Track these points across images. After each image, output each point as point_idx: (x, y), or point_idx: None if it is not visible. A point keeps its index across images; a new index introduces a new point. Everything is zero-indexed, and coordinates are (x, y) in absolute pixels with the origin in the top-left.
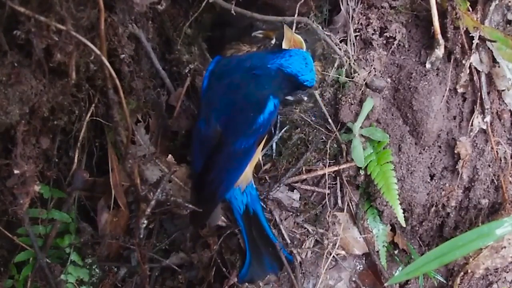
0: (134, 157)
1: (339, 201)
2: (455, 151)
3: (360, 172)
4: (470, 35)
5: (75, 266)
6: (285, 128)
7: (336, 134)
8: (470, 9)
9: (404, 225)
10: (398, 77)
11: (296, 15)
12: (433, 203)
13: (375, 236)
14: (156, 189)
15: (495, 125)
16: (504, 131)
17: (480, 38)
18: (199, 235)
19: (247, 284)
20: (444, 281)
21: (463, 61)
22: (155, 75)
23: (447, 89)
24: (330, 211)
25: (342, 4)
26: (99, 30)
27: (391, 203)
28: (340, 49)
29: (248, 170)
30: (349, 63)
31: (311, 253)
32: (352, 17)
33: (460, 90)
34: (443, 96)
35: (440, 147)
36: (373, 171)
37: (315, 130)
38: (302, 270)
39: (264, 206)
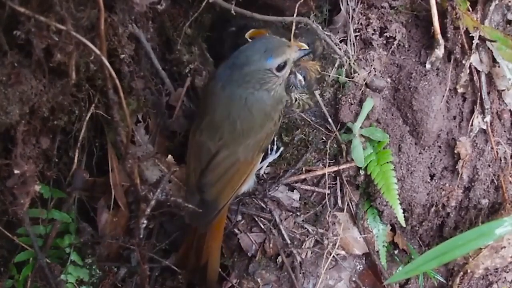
0: (134, 157)
1: (339, 201)
2: (455, 151)
3: (360, 172)
4: (470, 35)
5: (75, 266)
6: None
7: (336, 134)
8: (470, 9)
9: (404, 225)
10: (398, 77)
11: (295, 15)
12: (433, 203)
13: (375, 236)
14: (156, 189)
15: (495, 125)
16: (504, 131)
17: (480, 38)
18: None
19: (247, 283)
20: (444, 281)
21: (463, 61)
22: (155, 75)
23: (447, 89)
24: (330, 211)
25: (342, 4)
26: (99, 30)
27: (391, 203)
28: (340, 49)
29: None
30: (349, 63)
31: (311, 253)
32: (352, 17)
33: (460, 90)
34: (443, 96)
35: (440, 147)
36: (373, 171)
37: (315, 130)
38: (302, 270)
39: (264, 206)
